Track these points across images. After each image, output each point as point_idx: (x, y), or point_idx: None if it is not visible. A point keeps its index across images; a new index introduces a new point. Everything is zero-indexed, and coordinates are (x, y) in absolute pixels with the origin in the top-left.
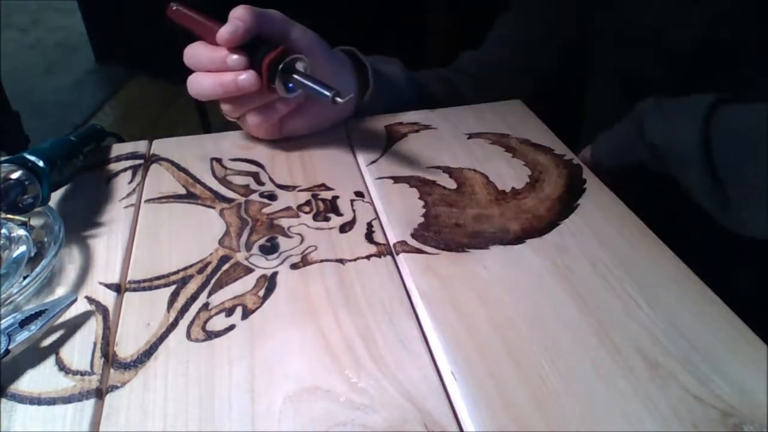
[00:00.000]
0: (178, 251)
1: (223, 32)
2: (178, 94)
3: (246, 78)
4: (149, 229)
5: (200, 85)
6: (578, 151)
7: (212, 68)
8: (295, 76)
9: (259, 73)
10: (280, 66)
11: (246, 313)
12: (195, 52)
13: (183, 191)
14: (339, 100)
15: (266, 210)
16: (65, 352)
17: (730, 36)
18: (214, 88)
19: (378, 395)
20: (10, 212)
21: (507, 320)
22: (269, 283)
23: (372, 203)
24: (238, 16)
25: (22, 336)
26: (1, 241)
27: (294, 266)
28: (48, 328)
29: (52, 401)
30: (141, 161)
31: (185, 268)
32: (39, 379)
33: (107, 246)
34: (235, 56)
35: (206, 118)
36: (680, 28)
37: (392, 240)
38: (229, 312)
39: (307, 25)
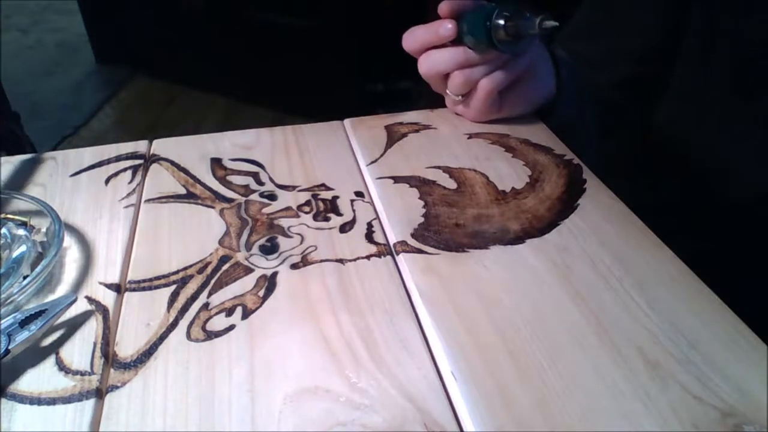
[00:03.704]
0: (178, 251)
1: (443, 3)
2: (178, 95)
3: (443, 27)
4: (149, 229)
5: (427, 60)
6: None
7: (427, 40)
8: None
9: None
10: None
11: (246, 313)
12: (412, 32)
13: (183, 191)
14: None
15: (266, 210)
16: (65, 352)
17: None
18: (423, 37)
19: (378, 395)
20: None
21: (507, 320)
22: (269, 283)
23: (372, 203)
24: None
25: (22, 336)
26: (1, 241)
27: (294, 266)
28: (48, 328)
29: (52, 401)
30: (141, 161)
31: (185, 268)
32: (39, 379)
33: (107, 246)
34: (448, 25)
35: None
36: None
37: (392, 240)
38: (229, 312)
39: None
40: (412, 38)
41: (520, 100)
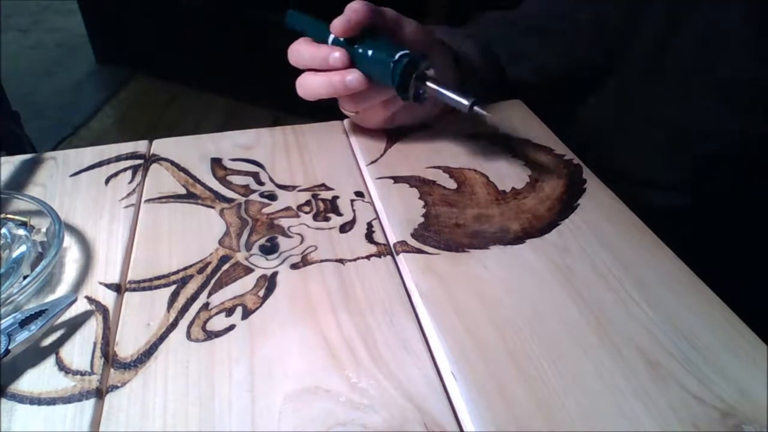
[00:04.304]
0: (178, 251)
1: (336, 22)
2: (178, 95)
3: (353, 78)
4: (149, 229)
5: (309, 84)
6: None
7: (313, 65)
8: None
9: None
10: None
11: (246, 313)
12: (298, 49)
13: (183, 191)
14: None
15: (266, 210)
16: (65, 352)
17: None
18: (322, 88)
19: (378, 395)
20: None
21: (507, 320)
22: (269, 283)
23: (372, 203)
24: (353, 8)
25: (22, 336)
26: (1, 241)
27: (294, 266)
28: (48, 328)
29: (52, 401)
30: (141, 161)
31: (185, 268)
32: (39, 379)
33: (107, 246)
34: (336, 53)
35: None
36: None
37: (392, 240)
38: (229, 312)
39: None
40: (298, 56)
41: (412, 116)
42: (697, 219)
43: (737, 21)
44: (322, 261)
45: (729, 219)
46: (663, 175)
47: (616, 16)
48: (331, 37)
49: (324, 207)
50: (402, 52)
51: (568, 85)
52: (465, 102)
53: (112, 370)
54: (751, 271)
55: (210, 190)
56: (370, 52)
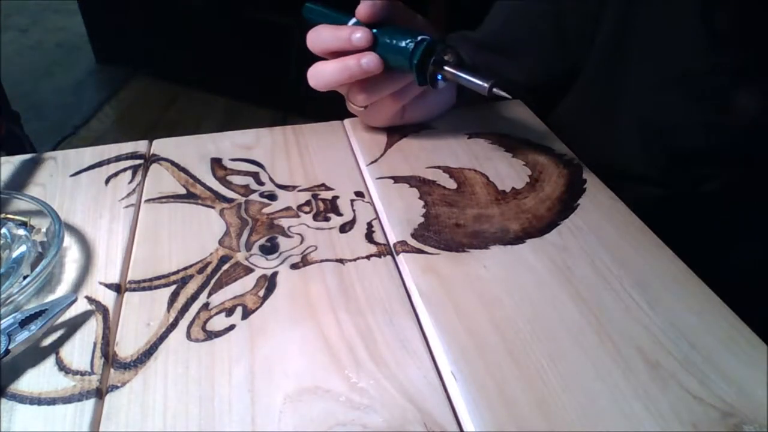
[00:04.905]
0: (178, 251)
1: (361, 6)
2: (178, 95)
3: (369, 60)
4: (149, 229)
5: (322, 72)
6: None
7: (335, 47)
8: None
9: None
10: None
11: (246, 313)
12: (318, 33)
13: (183, 191)
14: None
15: (266, 210)
16: (65, 352)
17: None
18: (336, 73)
19: (378, 395)
20: None
21: (507, 320)
22: (269, 283)
23: (372, 203)
24: None
25: (22, 336)
26: (1, 241)
27: (294, 266)
28: (48, 328)
29: (52, 401)
30: (141, 161)
31: (185, 268)
32: (39, 379)
33: (107, 246)
34: (359, 33)
35: None
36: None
37: (392, 240)
38: (229, 312)
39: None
40: (318, 39)
41: (421, 111)
42: (676, 211)
43: (687, 15)
44: (322, 261)
45: (708, 212)
46: (637, 168)
47: (574, 25)
48: (352, 21)
49: (324, 207)
50: (422, 36)
51: (540, 92)
52: (484, 84)
53: (112, 370)
54: (738, 267)
55: (210, 190)
56: (388, 38)
